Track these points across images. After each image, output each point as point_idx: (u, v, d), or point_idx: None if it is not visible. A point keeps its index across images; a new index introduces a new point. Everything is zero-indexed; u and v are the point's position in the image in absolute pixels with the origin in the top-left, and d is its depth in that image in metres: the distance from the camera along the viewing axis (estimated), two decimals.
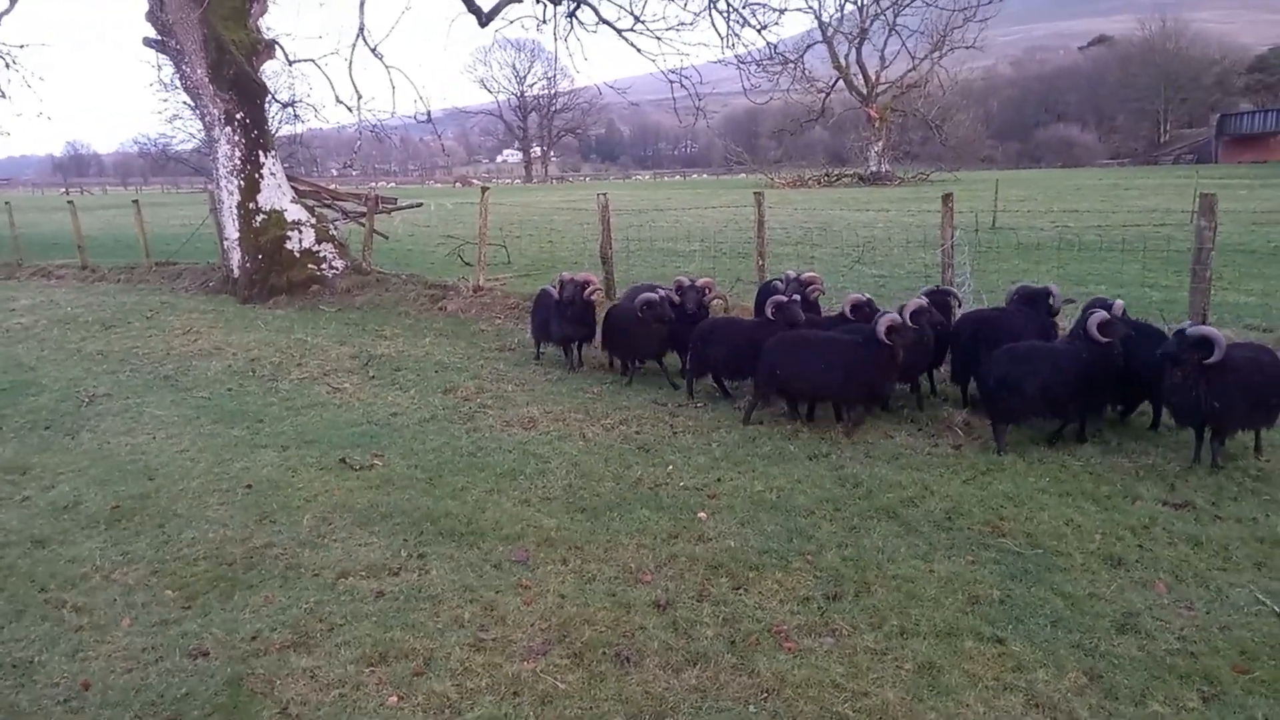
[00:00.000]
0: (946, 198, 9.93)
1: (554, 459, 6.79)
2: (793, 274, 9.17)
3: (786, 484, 6.12)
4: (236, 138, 15.01)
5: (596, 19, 17.51)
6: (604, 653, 4.13)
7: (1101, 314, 6.70)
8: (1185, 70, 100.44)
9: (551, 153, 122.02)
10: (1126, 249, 16.16)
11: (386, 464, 6.79)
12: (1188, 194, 23.64)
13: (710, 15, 16.43)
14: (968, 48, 61.04)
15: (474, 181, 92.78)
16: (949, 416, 7.40)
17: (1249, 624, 4.20)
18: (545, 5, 17.30)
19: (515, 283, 15.08)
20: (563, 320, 9.52)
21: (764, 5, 16.30)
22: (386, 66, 16.87)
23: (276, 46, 16.55)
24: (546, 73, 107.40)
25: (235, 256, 15.46)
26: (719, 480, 6.26)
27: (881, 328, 6.85)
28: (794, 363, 7.19)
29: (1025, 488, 5.93)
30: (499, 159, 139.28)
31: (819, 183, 62.59)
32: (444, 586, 4.79)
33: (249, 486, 6.39)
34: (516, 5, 16.90)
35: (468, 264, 16.93)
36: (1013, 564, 4.86)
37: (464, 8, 16.76)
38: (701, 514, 5.66)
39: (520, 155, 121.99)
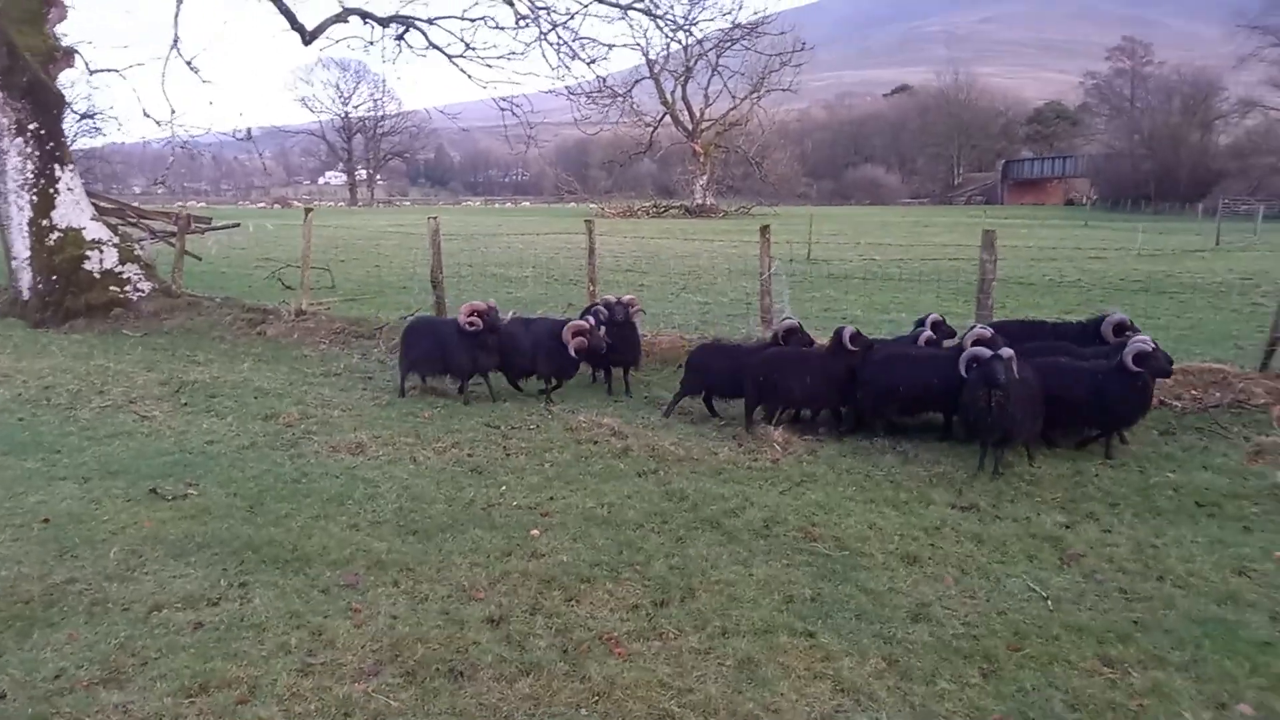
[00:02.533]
0: (764, 230, 10.57)
1: (384, 483, 6.70)
2: (613, 299, 9.62)
3: (617, 500, 6.33)
4: (29, 149, 13.89)
5: (426, 43, 17.48)
6: (437, 669, 4.16)
7: (850, 329, 7.88)
8: (975, 119, 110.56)
9: (378, 176, 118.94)
10: (924, 280, 17.62)
11: (202, 493, 6.48)
12: (977, 231, 26.02)
13: (541, 47, 16.72)
14: (784, 90, 64.75)
15: (294, 203, 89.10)
16: (767, 433, 7.85)
17: (1021, 609, 4.74)
18: (373, 27, 17.10)
19: (341, 307, 14.68)
20: (482, 350, 9.17)
21: (593, 40, 16.75)
22: (203, 81, 16.11)
23: (76, 54, 15.47)
24: (373, 94, 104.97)
25: (25, 277, 14.24)
26: (552, 498, 6.39)
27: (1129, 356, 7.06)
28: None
29: (835, 496, 6.41)
30: (321, 180, 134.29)
31: (648, 213, 64.29)
32: (269, 614, 4.66)
33: (46, 521, 5.94)
34: (342, 26, 16.58)
35: (289, 288, 16.30)
36: (823, 565, 5.26)
37: (287, 24, 16.29)
38: (534, 531, 5.76)
39: (344, 177, 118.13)
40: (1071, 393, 7.22)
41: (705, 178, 66.83)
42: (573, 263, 21.72)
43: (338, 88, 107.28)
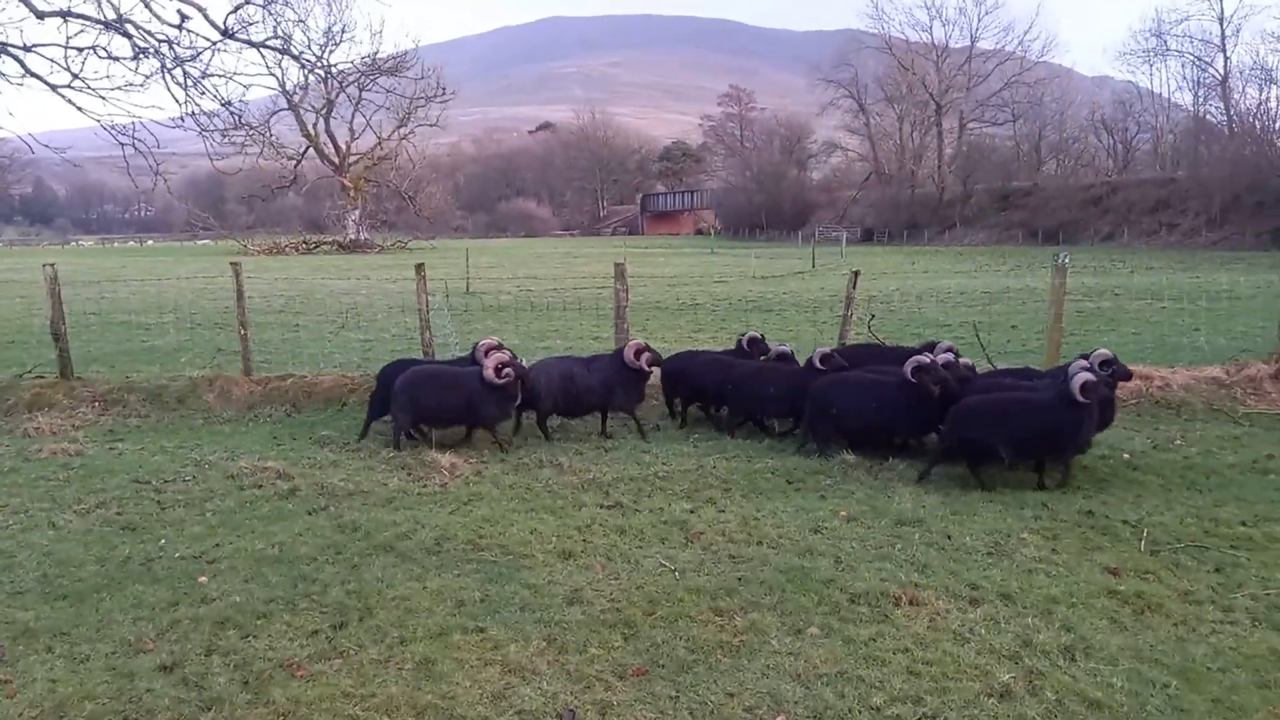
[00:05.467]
0: (419, 268, 11.03)
1: (20, 552, 6.22)
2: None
3: (288, 538, 6.45)
4: None
5: (23, 71, 15.67)
6: None
7: (823, 350, 9.07)
8: (613, 156, 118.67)
9: None
10: (576, 308, 19.01)
11: None
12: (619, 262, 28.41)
13: (165, 80, 15.69)
14: (431, 125, 65.17)
15: None
16: (435, 460, 8.31)
17: (655, 582, 5.67)
18: None
19: None
20: (504, 399, 8.83)
21: (224, 75, 16.02)
22: None
23: None
24: None
25: None
26: (218, 545, 6.35)
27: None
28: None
29: (499, 510, 7.05)
30: None
31: (297, 250, 61.32)
32: None
33: None
34: None
35: None
36: (490, 570, 5.86)
37: None
38: (202, 578, 5.75)
39: None
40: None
41: (358, 212, 65.26)
42: (216, 305, 20.53)
43: None
